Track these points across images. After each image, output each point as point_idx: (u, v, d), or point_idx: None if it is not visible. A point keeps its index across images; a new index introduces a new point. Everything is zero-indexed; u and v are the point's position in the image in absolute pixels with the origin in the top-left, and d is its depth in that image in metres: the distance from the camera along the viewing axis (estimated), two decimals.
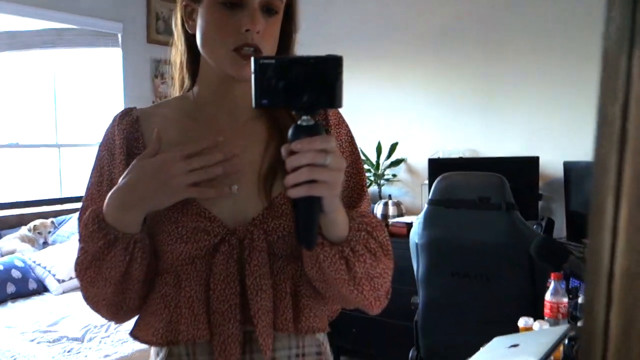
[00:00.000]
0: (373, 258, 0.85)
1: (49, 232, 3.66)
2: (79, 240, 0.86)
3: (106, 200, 0.83)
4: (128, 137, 0.92)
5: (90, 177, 0.95)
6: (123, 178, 0.82)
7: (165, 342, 0.87)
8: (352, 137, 1.00)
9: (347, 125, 1.00)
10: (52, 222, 3.73)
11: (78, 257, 0.86)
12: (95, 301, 0.89)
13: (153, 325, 0.88)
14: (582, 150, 3.09)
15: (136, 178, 0.80)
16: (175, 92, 1.00)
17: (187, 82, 0.98)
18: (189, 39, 0.93)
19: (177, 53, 0.97)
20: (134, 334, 0.93)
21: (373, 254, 0.85)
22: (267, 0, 0.86)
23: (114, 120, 0.96)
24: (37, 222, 3.66)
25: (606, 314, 0.34)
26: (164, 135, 0.92)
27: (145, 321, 0.91)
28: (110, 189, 0.89)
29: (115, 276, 0.83)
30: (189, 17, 0.91)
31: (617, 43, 0.32)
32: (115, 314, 0.91)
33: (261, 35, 0.85)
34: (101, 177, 0.93)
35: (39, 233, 3.60)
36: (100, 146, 0.96)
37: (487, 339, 1.60)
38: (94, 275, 0.84)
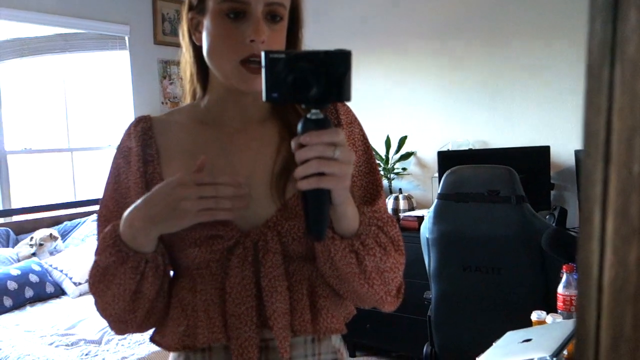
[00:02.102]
0: (383, 252, 0.85)
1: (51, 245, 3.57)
2: (94, 252, 0.87)
3: (122, 218, 0.83)
4: (143, 145, 0.92)
5: (106, 186, 0.95)
6: (141, 199, 0.82)
7: (183, 347, 0.88)
8: (364, 136, 0.99)
9: (359, 124, 0.99)
10: (51, 235, 3.60)
11: (91, 269, 0.87)
12: (104, 313, 0.89)
13: (172, 330, 0.89)
14: None
15: (149, 200, 0.80)
16: (187, 102, 1.00)
17: (198, 92, 0.97)
18: (197, 50, 0.92)
19: (187, 65, 0.96)
20: (154, 339, 0.94)
21: (383, 248, 0.86)
22: (270, 8, 0.85)
23: (128, 129, 0.96)
24: (37, 234, 3.55)
25: (597, 324, 0.34)
26: (178, 141, 0.93)
27: (164, 326, 0.91)
28: (127, 197, 0.90)
29: (125, 294, 0.84)
30: (195, 30, 0.91)
31: (600, 57, 0.32)
32: (122, 330, 0.91)
33: (267, 44, 0.84)
34: (117, 184, 0.93)
35: (39, 245, 3.52)
36: (115, 155, 0.96)
37: (501, 333, 1.59)
38: (104, 289, 0.85)
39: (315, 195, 0.73)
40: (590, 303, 0.34)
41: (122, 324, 0.89)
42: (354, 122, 0.98)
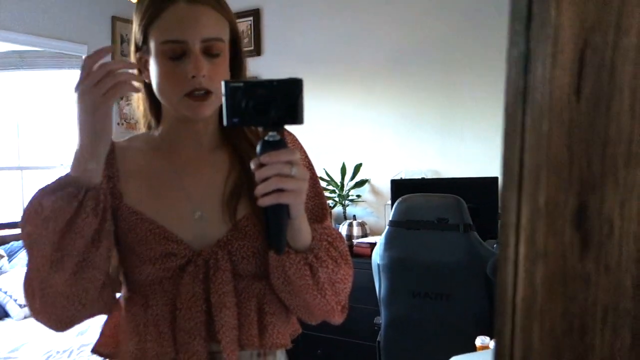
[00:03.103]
0: (334, 264, 0.93)
1: None
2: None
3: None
4: (106, 163, 0.96)
5: None
6: None
7: None
8: (310, 162, 1.06)
9: (305, 152, 1.06)
10: None
11: (27, 205, 0.83)
12: (32, 280, 0.84)
13: (123, 345, 0.92)
14: None
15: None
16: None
17: (153, 124, 1.03)
18: (148, 86, 0.98)
19: (139, 99, 1.03)
20: (97, 350, 0.96)
21: (334, 261, 0.93)
22: (207, 45, 0.90)
23: None
24: None
25: (511, 339, 0.38)
26: (136, 165, 0.97)
27: (114, 340, 0.95)
28: None
29: (58, 221, 0.81)
30: (144, 68, 0.96)
31: (514, 102, 0.37)
32: (51, 298, 0.84)
33: (208, 78, 0.90)
34: None
35: None
36: None
37: (447, 358, 1.64)
38: (37, 214, 0.81)
39: (275, 210, 0.80)
40: (506, 320, 0.38)
41: (48, 287, 0.83)
42: (300, 149, 1.05)
